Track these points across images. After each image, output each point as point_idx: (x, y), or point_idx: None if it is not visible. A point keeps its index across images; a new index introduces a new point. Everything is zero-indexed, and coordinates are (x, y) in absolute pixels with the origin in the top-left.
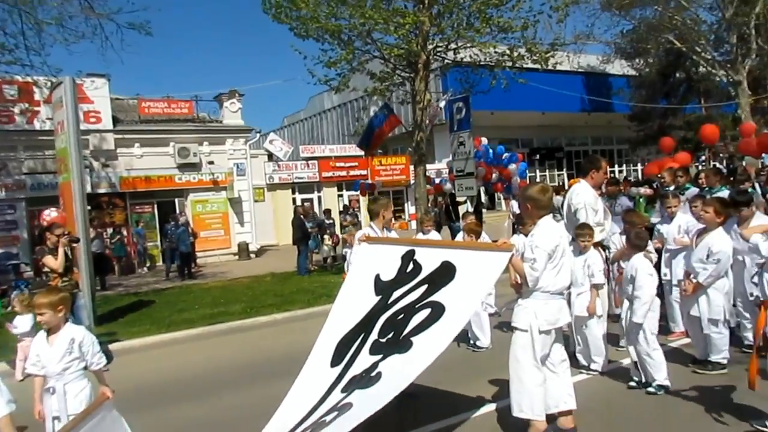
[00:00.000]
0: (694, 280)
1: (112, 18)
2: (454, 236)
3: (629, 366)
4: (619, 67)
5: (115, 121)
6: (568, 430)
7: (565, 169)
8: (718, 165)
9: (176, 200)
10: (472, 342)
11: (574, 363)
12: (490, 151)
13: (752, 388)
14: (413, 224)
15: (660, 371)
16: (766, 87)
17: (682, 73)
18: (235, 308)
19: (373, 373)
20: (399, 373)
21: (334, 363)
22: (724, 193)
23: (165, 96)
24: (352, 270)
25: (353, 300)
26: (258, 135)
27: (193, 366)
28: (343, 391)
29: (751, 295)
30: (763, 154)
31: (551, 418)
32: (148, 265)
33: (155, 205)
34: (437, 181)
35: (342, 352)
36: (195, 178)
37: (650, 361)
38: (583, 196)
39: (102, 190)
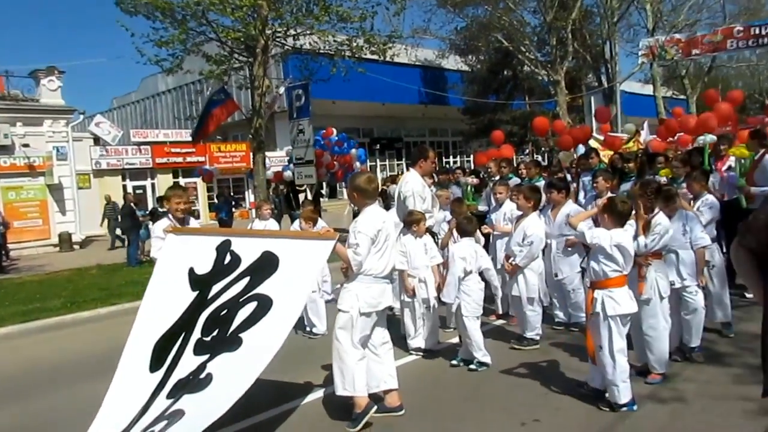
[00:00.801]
0: (513, 262)
1: None
2: (292, 223)
3: (455, 345)
4: (453, 63)
5: None
6: (395, 408)
7: (404, 159)
8: (538, 158)
9: None
10: (308, 329)
11: (404, 345)
12: (331, 139)
13: (593, 361)
14: (254, 212)
15: (479, 350)
16: (581, 87)
17: (510, 71)
18: (54, 304)
19: (202, 375)
20: (233, 374)
21: (154, 368)
22: (541, 183)
23: None
24: (159, 264)
25: (166, 297)
26: (82, 116)
27: (1, 368)
28: (169, 397)
29: (555, 275)
30: (579, 146)
31: (378, 399)
32: None
33: None
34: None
35: (161, 355)
36: (6, 162)
37: (469, 342)
38: (412, 185)
39: None
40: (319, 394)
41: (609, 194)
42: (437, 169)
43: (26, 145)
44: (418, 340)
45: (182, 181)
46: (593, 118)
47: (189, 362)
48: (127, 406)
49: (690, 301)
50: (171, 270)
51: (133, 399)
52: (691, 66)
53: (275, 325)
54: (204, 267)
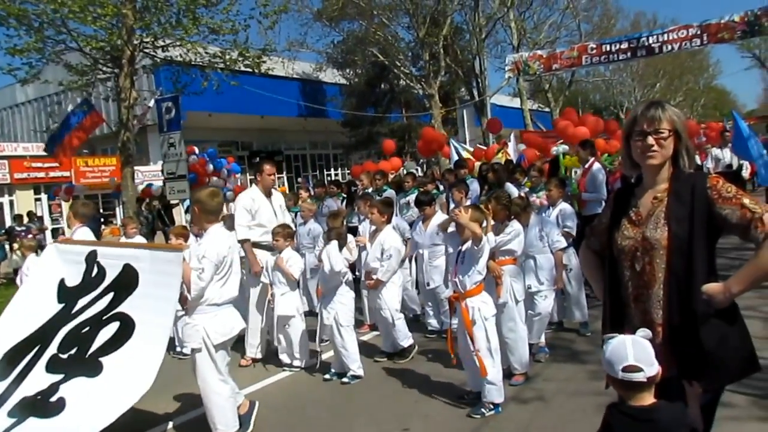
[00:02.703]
0: (374, 277)
1: None
2: (167, 241)
3: (328, 359)
4: (331, 76)
5: None
6: (248, 411)
7: (285, 172)
8: (417, 168)
9: None
10: (179, 349)
11: (277, 362)
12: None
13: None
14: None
15: (354, 362)
16: (454, 100)
17: (387, 84)
18: None
19: (53, 398)
20: (91, 406)
21: None
22: (414, 195)
23: None
24: (32, 272)
25: (29, 306)
26: None
27: None
28: (11, 415)
29: (428, 284)
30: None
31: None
32: None
33: None
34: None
35: (9, 365)
36: None
37: (345, 353)
38: (239, 198)
39: None
40: (184, 418)
41: (467, 203)
42: (319, 181)
43: None
44: (286, 356)
45: (44, 197)
46: (466, 131)
47: (39, 379)
48: None
49: (538, 303)
50: (41, 279)
51: None
52: (554, 80)
53: (141, 358)
54: (74, 279)
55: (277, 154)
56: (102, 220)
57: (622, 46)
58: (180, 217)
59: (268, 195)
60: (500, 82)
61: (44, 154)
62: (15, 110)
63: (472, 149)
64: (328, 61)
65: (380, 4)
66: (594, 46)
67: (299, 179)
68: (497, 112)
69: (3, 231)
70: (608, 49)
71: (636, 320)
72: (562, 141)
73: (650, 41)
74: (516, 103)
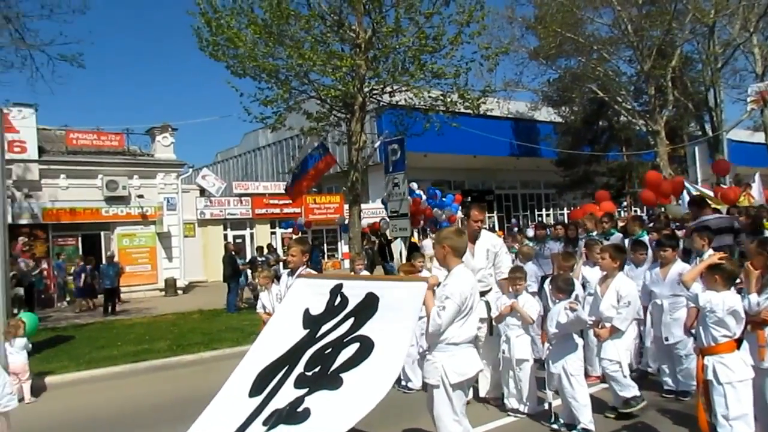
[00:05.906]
0: (607, 325)
1: (44, 50)
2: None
3: (556, 408)
4: (546, 114)
5: (41, 151)
6: None
7: (495, 212)
8: (639, 211)
9: (102, 234)
10: (404, 383)
11: (503, 406)
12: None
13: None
14: (346, 263)
15: (584, 414)
16: (682, 137)
17: (605, 121)
18: (160, 346)
19: (300, 408)
20: (332, 414)
21: (253, 393)
22: (645, 239)
23: (95, 128)
24: (282, 304)
25: (279, 333)
26: (190, 170)
27: (113, 405)
28: (264, 423)
29: (666, 339)
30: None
31: None
32: (67, 299)
33: (79, 238)
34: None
35: (262, 383)
36: (123, 211)
37: (575, 404)
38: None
39: (23, 221)
40: None
41: (709, 251)
42: (541, 223)
43: (141, 196)
44: (514, 400)
45: (278, 231)
46: (698, 170)
47: (288, 393)
48: (222, 425)
49: None
50: (290, 310)
51: (229, 419)
52: None
53: (378, 372)
54: (318, 308)
55: (488, 194)
56: (321, 254)
57: None
58: (397, 252)
59: (473, 240)
60: (740, 115)
61: (280, 191)
62: (257, 153)
63: (709, 192)
64: (544, 100)
65: (600, 38)
66: None
67: (511, 220)
68: (734, 149)
69: (246, 261)
70: None
71: None
72: None
73: None
74: (758, 137)
